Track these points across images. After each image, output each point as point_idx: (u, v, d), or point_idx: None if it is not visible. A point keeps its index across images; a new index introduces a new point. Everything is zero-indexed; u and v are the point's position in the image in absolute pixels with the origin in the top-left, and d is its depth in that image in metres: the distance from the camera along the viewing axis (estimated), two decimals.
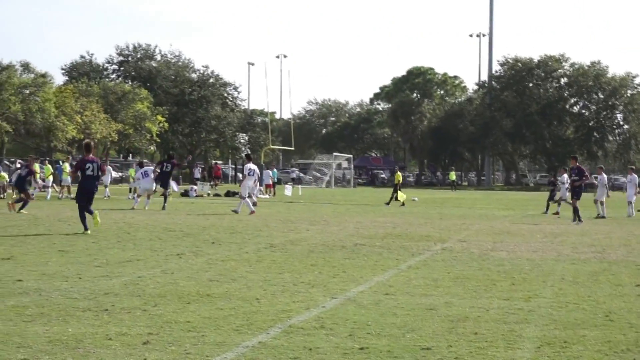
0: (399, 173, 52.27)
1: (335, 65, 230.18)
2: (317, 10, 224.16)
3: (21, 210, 32.26)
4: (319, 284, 14.02)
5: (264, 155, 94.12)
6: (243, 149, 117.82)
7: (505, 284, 14.50)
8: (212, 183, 70.30)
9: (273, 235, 23.90)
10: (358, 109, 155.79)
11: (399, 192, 48.20)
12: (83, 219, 23.67)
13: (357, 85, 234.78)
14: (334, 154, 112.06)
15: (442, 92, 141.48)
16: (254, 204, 36.85)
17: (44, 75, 76.12)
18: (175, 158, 40.92)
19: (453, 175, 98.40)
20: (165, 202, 37.75)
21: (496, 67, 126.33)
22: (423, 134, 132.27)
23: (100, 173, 24.70)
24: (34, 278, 13.84)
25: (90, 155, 24.46)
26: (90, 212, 23.83)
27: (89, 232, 23.14)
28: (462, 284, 14.33)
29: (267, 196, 57.87)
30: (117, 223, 27.27)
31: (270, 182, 62.82)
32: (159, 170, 39.07)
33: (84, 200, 24.05)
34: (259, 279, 14.42)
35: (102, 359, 8.43)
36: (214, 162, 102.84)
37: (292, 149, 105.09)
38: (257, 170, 38.42)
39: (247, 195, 36.03)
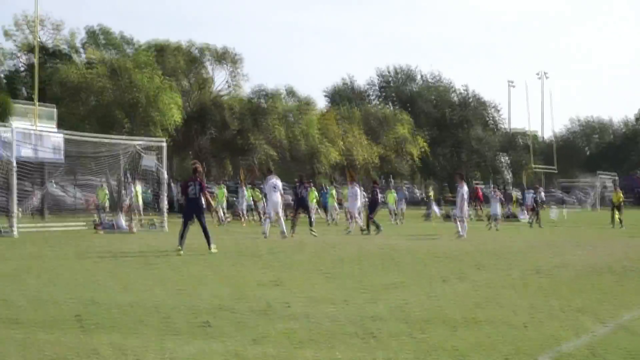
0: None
1: (597, 82, 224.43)
2: (577, 27, 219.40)
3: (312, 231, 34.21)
4: (588, 310, 13.60)
5: (525, 176, 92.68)
6: (505, 170, 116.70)
7: None
8: (475, 206, 69.85)
9: (538, 260, 23.42)
10: (622, 127, 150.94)
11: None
12: (181, 236, 24.49)
13: (621, 102, 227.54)
14: (598, 173, 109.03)
15: None
16: (280, 231, 33.73)
17: (308, 103, 78.07)
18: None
19: None
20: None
21: None
22: None
23: (199, 195, 25.28)
24: (301, 303, 14.10)
25: (195, 176, 25.63)
26: (207, 240, 24.74)
27: (181, 252, 23.85)
28: None
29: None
30: (381, 248, 27.48)
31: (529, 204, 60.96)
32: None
33: (188, 219, 25.06)
34: (526, 304, 14.14)
35: None
36: (474, 184, 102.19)
37: (555, 169, 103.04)
38: (280, 185, 34.77)
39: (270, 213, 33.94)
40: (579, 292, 15.83)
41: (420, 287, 16.55)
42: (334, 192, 50.41)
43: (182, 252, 23.99)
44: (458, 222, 34.28)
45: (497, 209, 44.10)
